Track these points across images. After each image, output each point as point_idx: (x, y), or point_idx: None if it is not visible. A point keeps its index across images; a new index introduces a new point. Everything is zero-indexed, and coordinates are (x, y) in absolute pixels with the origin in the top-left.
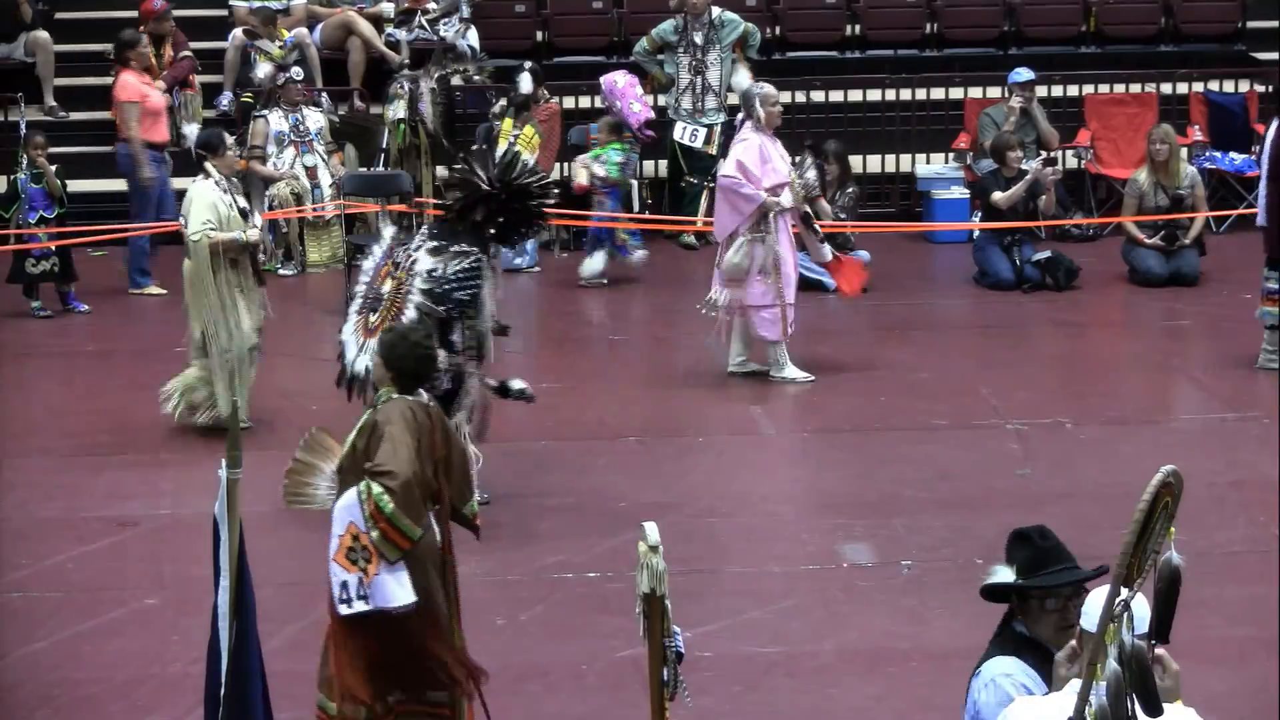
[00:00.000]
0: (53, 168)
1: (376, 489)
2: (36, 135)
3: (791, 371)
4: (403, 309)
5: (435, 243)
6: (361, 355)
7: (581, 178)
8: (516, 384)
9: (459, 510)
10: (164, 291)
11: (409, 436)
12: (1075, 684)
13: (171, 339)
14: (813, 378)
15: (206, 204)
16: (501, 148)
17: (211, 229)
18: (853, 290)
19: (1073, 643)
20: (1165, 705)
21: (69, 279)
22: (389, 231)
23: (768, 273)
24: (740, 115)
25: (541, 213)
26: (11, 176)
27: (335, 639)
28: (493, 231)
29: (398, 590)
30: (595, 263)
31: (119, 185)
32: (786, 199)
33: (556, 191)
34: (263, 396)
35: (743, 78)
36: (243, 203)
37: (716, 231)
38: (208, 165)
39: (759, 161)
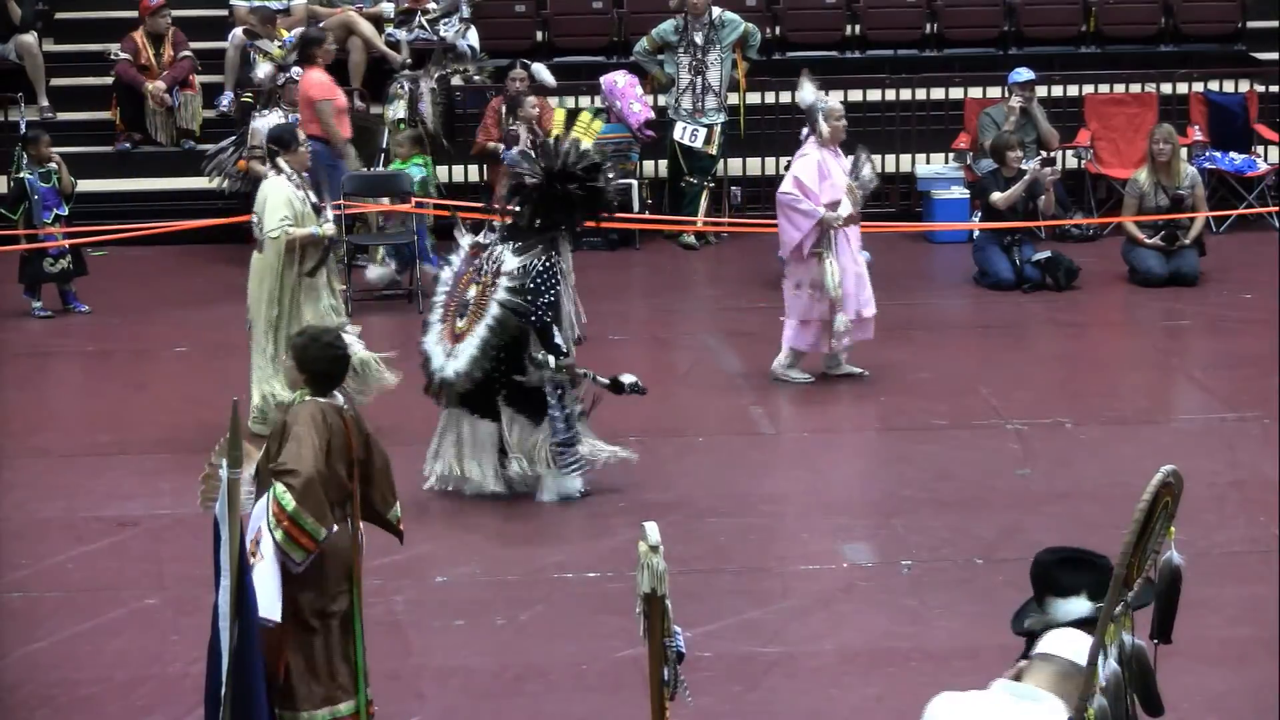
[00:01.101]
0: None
1: (279, 488)
2: (44, 134)
3: (797, 374)
4: (485, 310)
5: (518, 243)
6: (450, 360)
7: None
8: (628, 378)
9: (383, 515)
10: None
11: (315, 437)
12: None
13: (171, 339)
14: (811, 378)
15: (282, 200)
16: (562, 137)
17: (289, 225)
18: None
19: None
20: None
21: (82, 274)
22: (466, 240)
23: (816, 287)
24: (805, 129)
25: (606, 200)
26: (16, 176)
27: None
28: (563, 226)
29: (263, 600)
30: (384, 271)
31: (118, 185)
32: (845, 210)
33: (612, 176)
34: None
35: (807, 91)
36: (314, 197)
37: (782, 249)
38: (279, 161)
39: (817, 177)
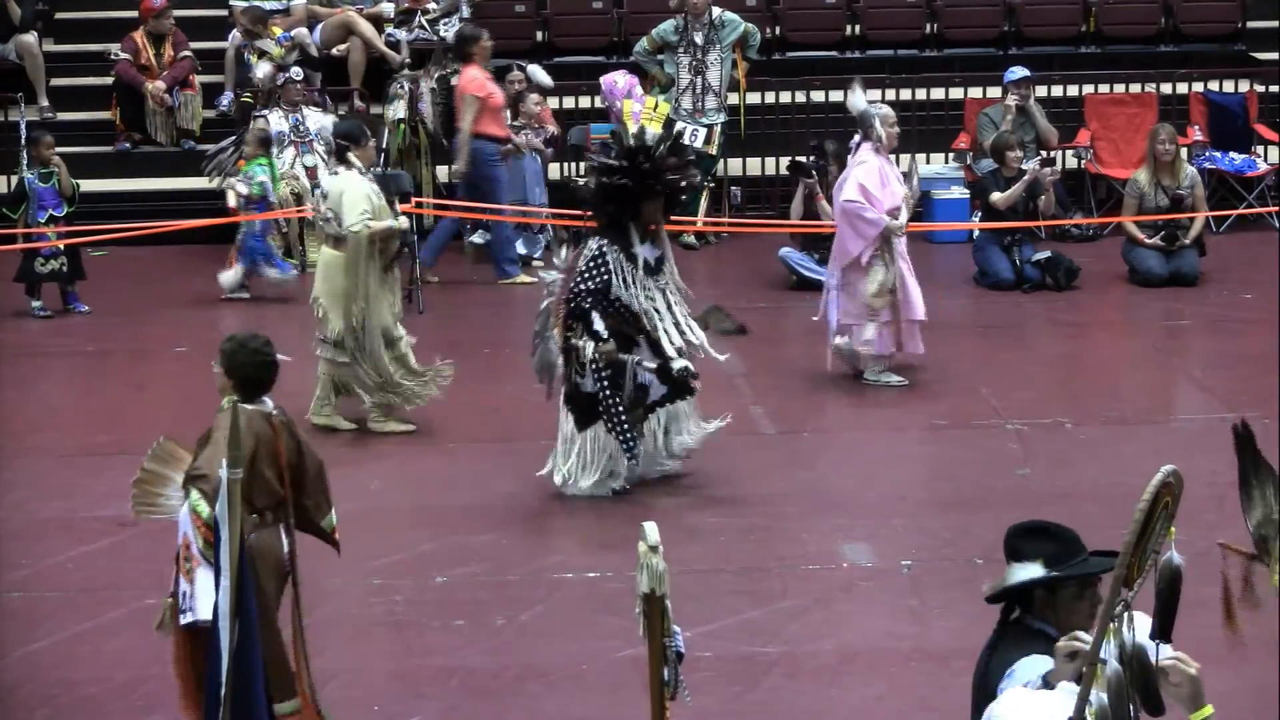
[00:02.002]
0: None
1: (194, 495)
2: (45, 135)
3: (892, 378)
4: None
5: (581, 243)
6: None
7: (230, 199)
8: (678, 364)
9: (316, 523)
10: (534, 280)
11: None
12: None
13: (171, 339)
14: (906, 381)
15: (361, 194)
16: (632, 129)
17: (369, 219)
18: None
19: (1075, 641)
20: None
21: (76, 278)
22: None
23: (891, 292)
24: (857, 136)
25: (685, 181)
26: (18, 176)
27: (177, 651)
28: (615, 212)
29: (209, 603)
30: (233, 275)
31: (118, 185)
32: (904, 219)
33: (693, 157)
34: None
35: (859, 98)
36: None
37: (838, 256)
38: (350, 156)
39: (879, 184)
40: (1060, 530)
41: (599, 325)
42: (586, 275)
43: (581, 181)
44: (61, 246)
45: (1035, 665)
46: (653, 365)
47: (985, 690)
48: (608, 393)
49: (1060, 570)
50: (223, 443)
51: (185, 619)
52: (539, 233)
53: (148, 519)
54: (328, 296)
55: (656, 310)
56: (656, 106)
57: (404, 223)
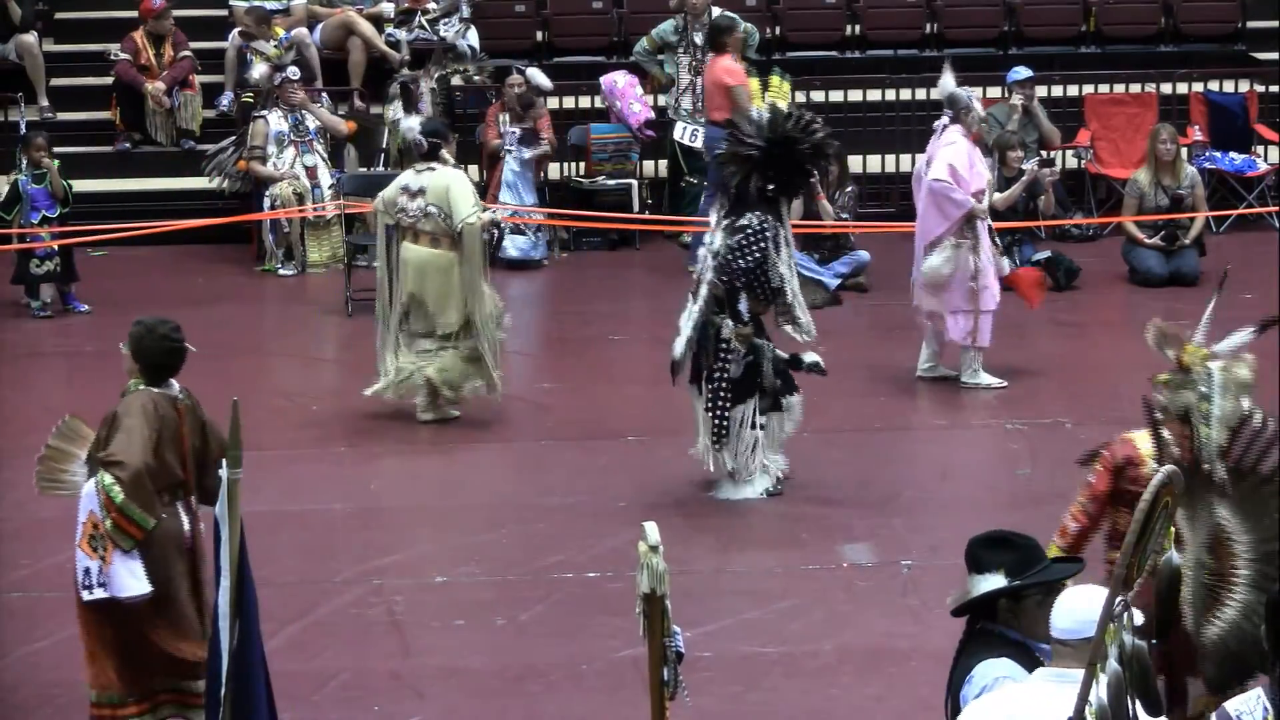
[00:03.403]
0: (55, 165)
1: (108, 479)
2: (37, 136)
3: (985, 378)
4: (699, 291)
5: (727, 220)
6: (676, 340)
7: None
8: (810, 357)
9: None
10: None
11: (145, 427)
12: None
13: None
14: (1005, 383)
15: (469, 187)
16: (757, 108)
17: (480, 209)
18: (1036, 300)
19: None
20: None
21: (70, 279)
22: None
23: (969, 279)
24: (944, 119)
25: (817, 156)
26: (12, 178)
27: (85, 626)
28: (772, 187)
29: (130, 580)
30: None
31: (118, 185)
32: (987, 203)
33: (827, 136)
34: (263, 396)
35: (949, 80)
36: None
37: (920, 235)
38: (443, 153)
39: (967, 166)
40: (1020, 539)
41: (743, 306)
42: (743, 251)
43: (721, 159)
44: (55, 247)
45: (992, 669)
46: (785, 356)
47: (953, 700)
48: (725, 375)
49: (1022, 579)
50: (135, 429)
51: (91, 595)
52: (537, 232)
53: (52, 495)
54: (436, 296)
55: (791, 287)
56: (781, 83)
57: (497, 215)
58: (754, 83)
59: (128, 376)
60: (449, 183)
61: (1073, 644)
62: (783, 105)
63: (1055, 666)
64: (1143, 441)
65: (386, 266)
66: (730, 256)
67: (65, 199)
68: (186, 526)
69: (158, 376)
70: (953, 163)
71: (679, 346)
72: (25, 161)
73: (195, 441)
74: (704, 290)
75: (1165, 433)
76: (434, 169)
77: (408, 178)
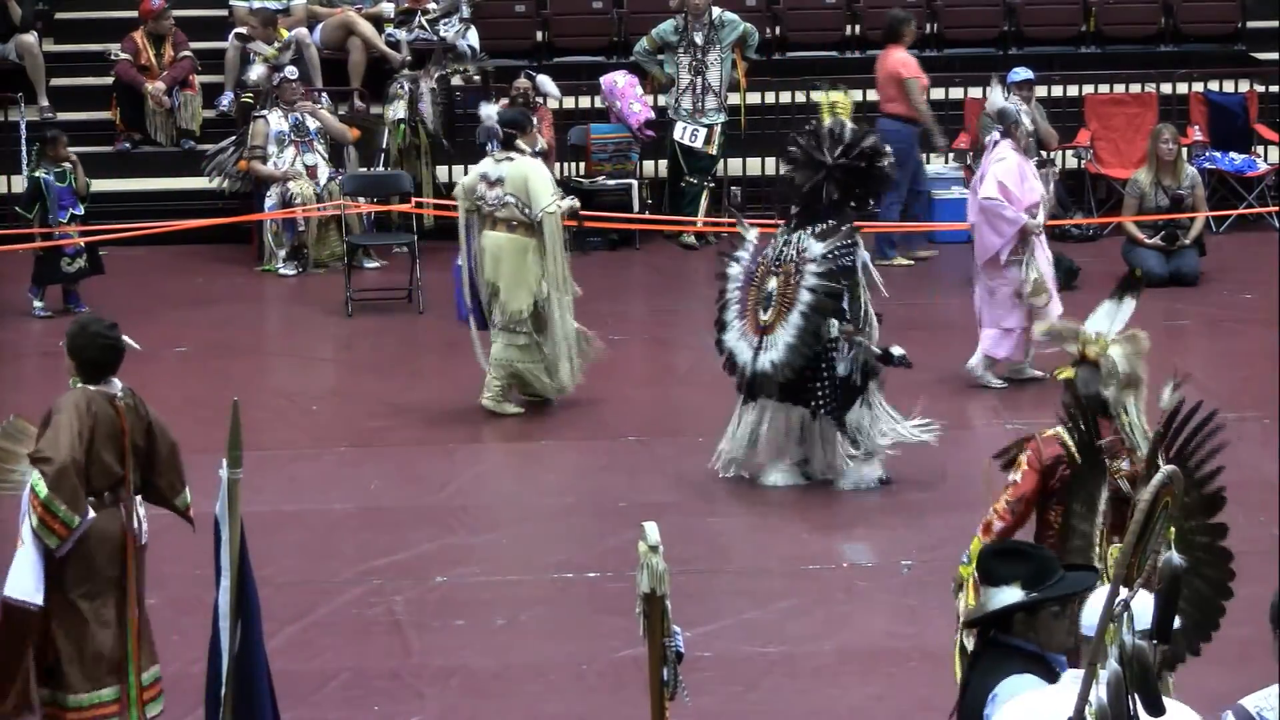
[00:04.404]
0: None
1: (35, 475)
2: (62, 135)
3: (994, 379)
4: (795, 299)
5: (821, 227)
6: (762, 353)
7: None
8: (897, 350)
9: (171, 502)
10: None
11: (75, 424)
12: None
13: (172, 339)
14: (1005, 384)
15: (547, 176)
16: (827, 121)
17: (559, 199)
18: None
19: None
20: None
21: (97, 273)
22: (753, 234)
23: (1023, 296)
24: (996, 133)
25: (886, 174)
26: (32, 175)
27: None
28: (852, 203)
29: (25, 582)
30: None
31: (118, 185)
32: (1041, 218)
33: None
34: (263, 396)
35: (998, 95)
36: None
37: (979, 253)
38: (519, 142)
39: (1018, 181)
40: (1034, 550)
41: (845, 304)
42: (840, 254)
43: (791, 162)
44: (83, 245)
45: (1016, 686)
46: (878, 350)
47: (971, 713)
48: (834, 374)
49: (1039, 591)
50: (64, 425)
51: None
52: None
53: (4, 494)
54: (509, 280)
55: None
56: (844, 99)
57: (576, 202)
58: (823, 97)
59: (67, 375)
60: (527, 173)
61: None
62: (851, 123)
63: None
64: (1069, 439)
65: (468, 257)
66: (835, 257)
67: (85, 196)
68: (125, 527)
69: (94, 374)
70: (1002, 180)
71: (776, 358)
72: (41, 159)
73: (138, 440)
74: (806, 296)
75: (1082, 427)
76: (512, 159)
77: (486, 166)
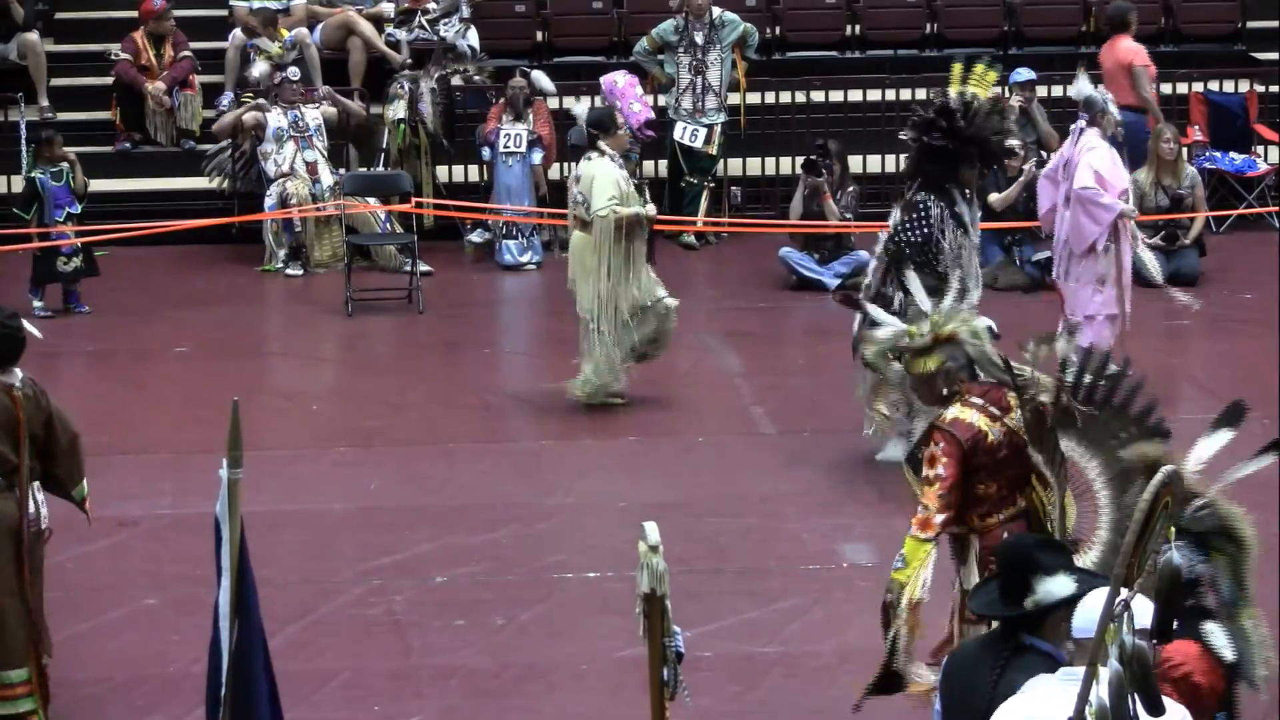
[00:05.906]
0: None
1: None
2: (57, 135)
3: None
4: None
5: (905, 198)
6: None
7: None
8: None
9: (68, 491)
10: None
11: None
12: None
13: (172, 339)
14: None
15: (610, 180)
16: (953, 93)
17: (616, 204)
18: None
19: None
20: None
21: (93, 274)
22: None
23: (1109, 282)
24: (1082, 122)
25: (1004, 146)
26: (28, 176)
27: None
28: (933, 168)
29: None
30: None
31: (118, 185)
32: (1131, 203)
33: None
34: (263, 396)
35: (1085, 83)
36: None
37: (1074, 244)
38: (601, 144)
39: (1111, 167)
40: (1059, 542)
41: (911, 281)
42: (908, 227)
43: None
44: (79, 244)
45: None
46: None
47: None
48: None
49: (1083, 585)
50: None
51: None
52: (531, 235)
53: None
54: (578, 276)
55: (961, 267)
56: (985, 73)
57: (652, 210)
58: (956, 67)
59: None
60: (594, 173)
61: (1088, 645)
62: (982, 95)
63: (1075, 666)
64: (971, 415)
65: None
66: (899, 229)
67: (83, 195)
68: (19, 512)
69: None
70: (1097, 168)
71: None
72: (37, 159)
73: (36, 430)
74: (874, 262)
75: (979, 400)
76: (590, 158)
77: (580, 165)
